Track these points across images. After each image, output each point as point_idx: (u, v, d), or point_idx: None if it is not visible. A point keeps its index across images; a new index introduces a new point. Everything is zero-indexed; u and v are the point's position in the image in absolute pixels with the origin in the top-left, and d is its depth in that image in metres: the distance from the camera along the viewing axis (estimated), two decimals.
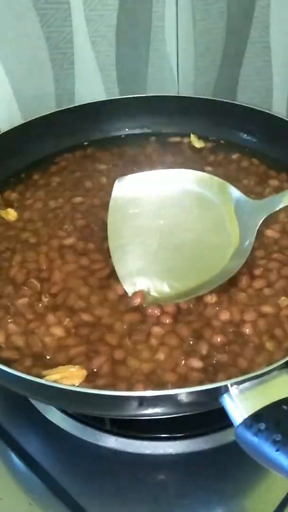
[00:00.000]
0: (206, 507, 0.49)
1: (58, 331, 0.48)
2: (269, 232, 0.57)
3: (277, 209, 0.57)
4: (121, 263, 0.53)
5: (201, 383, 0.43)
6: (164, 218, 0.57)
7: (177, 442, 0.53)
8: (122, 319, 0.48)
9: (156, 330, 0.47)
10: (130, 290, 0.50)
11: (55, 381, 0.42)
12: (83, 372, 0.44)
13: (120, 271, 0.52)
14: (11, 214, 0.61)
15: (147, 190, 0.59)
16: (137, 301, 0.49)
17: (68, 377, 0.43)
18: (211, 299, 0.49)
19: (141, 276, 0.51)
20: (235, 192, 0.58)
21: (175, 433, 0.53)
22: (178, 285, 0.51)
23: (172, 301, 0.49)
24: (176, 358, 0.45)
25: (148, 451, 0.52)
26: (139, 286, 0.51)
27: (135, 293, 0.50)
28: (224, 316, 0.48)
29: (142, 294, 0.50)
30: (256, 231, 0.54)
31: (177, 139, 0.75)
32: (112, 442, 0.53)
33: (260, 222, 0.55)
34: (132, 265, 0.52)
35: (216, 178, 0.60)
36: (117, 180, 0.60)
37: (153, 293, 0.50)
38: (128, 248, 0.54)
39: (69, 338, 0.47)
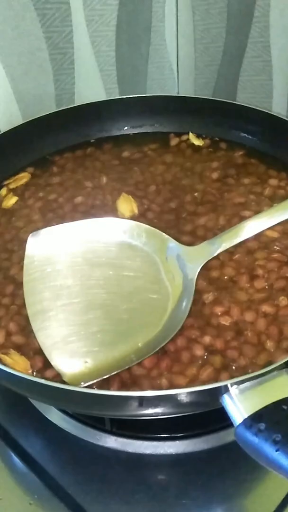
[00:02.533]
0: (206, 507, 0.49)
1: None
2: (269, 232, 0.57)
3: (215, 254, 0.52)
4: (44, 332, 0.47)
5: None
6: (88, 275, 0.51)
7: (177, 442, 0.53)
8: None
9: None
10: (61, 367, 0.44)
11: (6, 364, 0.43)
12: (27, 364, 0.45)
13: (43, 342, 0.46)
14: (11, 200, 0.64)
15: (67, 244, 0.53)
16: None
17: (18, 363, 0.45)
18: (207, 297, 0.49)
19: (69, 346, 0.46)
20: (167, 240, 0.53)
21: (175, 433, 0.53)
22: (111, 353, 0.45)
23: (108, 372, 0.43)
24: None
25: (148, 451, 0.52)
26: (68, 360, 0.45)
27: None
28: (224, 315, 0.48)
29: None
30: (194, 284, 0.49)
31: (177, 138, 0.75)
32: (112, 442, 0.53)
33: (198, 272, 0.50)
34: (57, 334, 0.46)
35: (144, 225, 0.55)
36: (30, 235, 0.54)
37: (86, 363, 0.44)
38: (50, 314, 0.48)
39: None
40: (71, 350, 0.45)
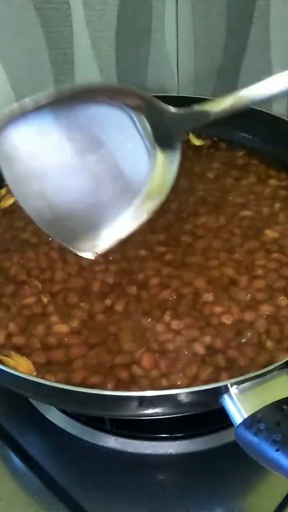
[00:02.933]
0: (206, 507, 0.49)
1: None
2: (269, 232, 0.57)
3: (204, 121, 0.47)
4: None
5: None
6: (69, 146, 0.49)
7: (177, 442, 0.53)
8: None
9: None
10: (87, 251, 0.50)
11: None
12: (30, 365, 0.45)
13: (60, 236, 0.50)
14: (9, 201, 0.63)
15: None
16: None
17: (21, 364, 0.45)
18: (207, 297, 0.49)
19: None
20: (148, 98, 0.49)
21: (175, 433, 0.53)
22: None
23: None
24: None
25: (148, 451, 0.52)
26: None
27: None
28: (224, 315, 0.48)
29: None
30: (180, 144, 0.49)
31: None
32: (112, 442, 0.53)
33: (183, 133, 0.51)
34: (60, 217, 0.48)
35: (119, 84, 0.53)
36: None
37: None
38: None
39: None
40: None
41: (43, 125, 0.47)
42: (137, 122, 0.50)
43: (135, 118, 0.50)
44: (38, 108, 0.44)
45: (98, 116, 0.49)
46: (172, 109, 0.48)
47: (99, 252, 0.50)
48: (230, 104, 0.47)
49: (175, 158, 0.50)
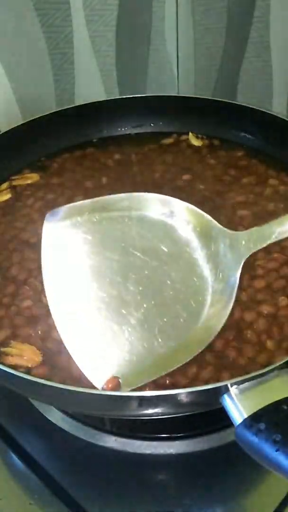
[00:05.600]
0: (206, 507, 0.49)
1: None
2: None
3: (267, 243, 0.45)
4: (73, 337, 0.42)
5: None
6: (115, 262, 0.44)
7: (177, 442, 0.53)
8: None
9: None
10: (97, 380, 0.41)
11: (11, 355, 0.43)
12: (39, 358, 0.44)
13: (75, 349, 0.42)
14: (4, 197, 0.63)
15: (92, 226, 0.47)
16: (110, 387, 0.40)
17: (24, 356, 0.44)
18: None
19: (102, 353, 0.41)
20: (210, 221, 0.46)
21: (175, 433, 0.53)
22: (151, 356, 0.41)
23: (148, 378, 0.40)
24: None
25: (148, 451, 0.52)
26: (104, 367, 0.41)
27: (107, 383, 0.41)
28: None
29: (116, 381, 0.40)
30: (241, 267, 0.45)
31: (177, 138, 0.75)
32: (112, 442, 0.53)
33: (242, 263, 0.45)
34: (89, 340, 0.42)
35: (183, 203, 0.47)
36: (47, 217, 0.47)
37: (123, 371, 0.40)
38: (78, 315, 0.43)
39: None
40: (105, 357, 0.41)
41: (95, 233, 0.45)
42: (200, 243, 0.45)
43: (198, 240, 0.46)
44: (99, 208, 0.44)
45: (152, 229, 0.45)
46: (234, 232, 0.45)
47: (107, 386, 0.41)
48: None
49: (233, 293, 0.43)
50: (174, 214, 0.47)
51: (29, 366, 0.44)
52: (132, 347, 0.41)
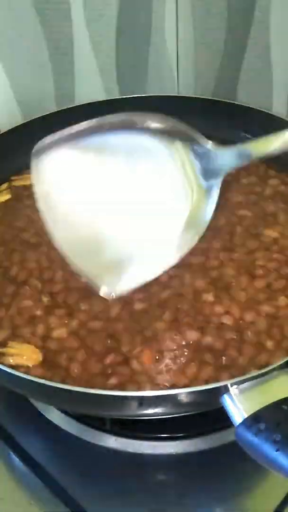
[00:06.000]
0: (206, 507, 0.49)
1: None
2: (269, 232, 0.57)
3: (245, 162, 0.49)
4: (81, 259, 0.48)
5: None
6: (104, 177, 0.49)
7: (177, 442, 0.53)
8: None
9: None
10: (108, 291, 0.48)
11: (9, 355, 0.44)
12: (39, 356, 0.45)
13: (86, 269, 0.48)
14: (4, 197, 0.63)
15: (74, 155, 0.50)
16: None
17: (23, 355, 0.45)
18: (207, 297, 0.49)
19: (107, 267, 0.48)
20: (194, 134, 0.50)
21: (175, 433, 0.53)
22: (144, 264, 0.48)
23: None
24: None
25: (148, 451, 0.52)
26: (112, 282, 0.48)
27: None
28: (224, 315, 0.48)
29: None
30: (221, 181, 0.49)
31: None
32: (112, 442, 0.53)
33: (223, 176, 0.49)
34: (92, 258, 0.48)
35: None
36: (33, 153, 0.51)
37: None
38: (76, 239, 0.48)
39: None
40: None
41: (81, 153, 0.49)
42: (179, 155, 0.50)
43: (180, 149, 0.50)
44: (77, 135, 0.45)
45: (137, 147, 0.50)
46: (214, 146, 0.49)
47: (119, 293, 0.48)
48: (278, 146, 0.48)
49: (214, 195, 0.49)
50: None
51: (29, 366, 0.44)
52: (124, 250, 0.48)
